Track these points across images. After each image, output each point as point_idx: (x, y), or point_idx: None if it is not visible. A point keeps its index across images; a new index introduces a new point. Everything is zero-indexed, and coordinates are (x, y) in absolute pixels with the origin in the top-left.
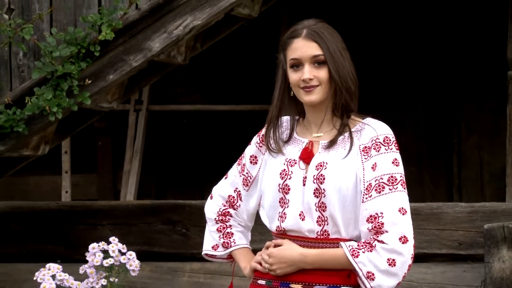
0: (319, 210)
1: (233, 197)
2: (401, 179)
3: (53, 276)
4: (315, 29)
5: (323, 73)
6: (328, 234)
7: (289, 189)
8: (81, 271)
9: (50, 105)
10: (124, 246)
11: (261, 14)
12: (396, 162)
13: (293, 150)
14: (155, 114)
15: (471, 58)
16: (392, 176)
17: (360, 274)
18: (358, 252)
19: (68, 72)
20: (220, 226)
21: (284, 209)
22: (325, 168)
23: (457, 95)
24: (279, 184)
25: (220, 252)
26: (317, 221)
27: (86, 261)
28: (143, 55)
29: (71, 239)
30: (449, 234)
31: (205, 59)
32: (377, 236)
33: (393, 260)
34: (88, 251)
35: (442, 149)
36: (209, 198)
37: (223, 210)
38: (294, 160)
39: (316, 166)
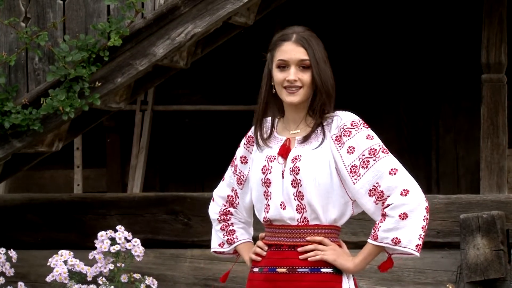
0: (297, 199)
1: (232, 196)
2: (380, 148)
3: (65, 262)
4: (304, 36)
5: (306, 76)
6: (308, 221)
7: (270, 183)
8: (90, 257)
9: (63, 105)
10: (130, 233)
11: (256, 22)
12: (370, 137)
13: (274, 147)
14: (159, 114)
15: (449, 62)
16: (371, 149)
17: (390, 247)
18: (376, 233)
19: (80, 75)
20: (223, 225)
21: (268, 201)
22: (299, 160)
23: (436, 96)
24: (262, 178)
25: (226, 248)
26: (296, 209)
27: (96, 248)
28: (148, 60)
29: (82, 228)
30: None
31: (205, 63)
32: (384, 205)
33: (403, 213)
34: (97, 239)
35: (422, 145)
36: (211, 200)
37: (224, 210)
38: (273, 156)
39: (292, 159)
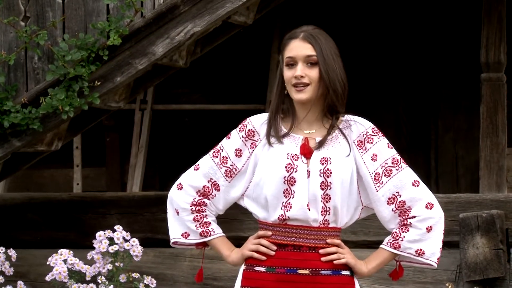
0: (323, 201)
1: (208, 187)
2: (400, 158)
3: (65, 261)
4: (312, 33)
5: (314, 73)
6: (328, 223)
7: (295, 181)
8: (88, 257)
9: (63, 104)
10: (128, 233)
11: (255, 21)
12: (390, 146)
13: (290, 145)
14: (158, 113)
15: (448, 61)
16: (394, 158)
17: (412, 257)
18: (398, 242)
19: (79, 74)
20: (197, 215)
21: (288, 199)
22: (330, 163)
23: (435, 95)
24: (285, 176)
25: (192, 240)
26: (321, 212)
27: (95, 248)
28: (148, 59)
29: (81, 227)
30: None
31: (205, 62)
32: (407, 214)
33: (430, 226)
34: (96, 239)
35: (421, 144)
36: (176, 188)
37: (198, 200)
38: (296, 154)
39: (321, 161)
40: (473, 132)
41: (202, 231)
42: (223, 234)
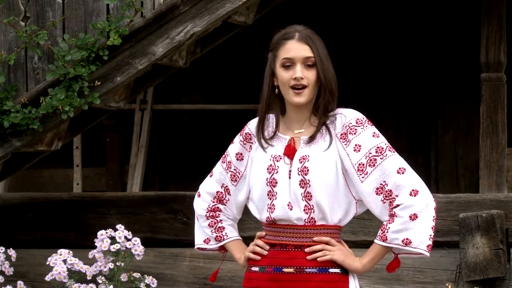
0: (305, 199)
1: (221, 192)
2: (387, 146)
3: (64, 261)
4: (308, 34)
5: (312, 74)
6: (315, 221)
7: (276, 183)
8: (90, 256)
9: (63, 104)
10: (130, 232)
11: (255, 21)
12: (376, 135)
13: (277, 147)
14: (158, 113)
15: (448, 61)
16: (378, 147)
17: (400, 247)
18: (385, 234)
19: (79, 74)
20: (212, 221)
21: (272, 201)
22: (308, 161)
23: (435, 95)
24: (267, 178)
25: (212, 245)
26: (304, 210)
27: (95, 247)
28: (148, 59)
29: (81, 227)
30: None
31: (205, 62)
32: (392, 204)
33: (414, 214)
34: (97, 238)
35: (421, 144)
36: (196, 196)
37: (212, 206)
38: (279, 155)
39: (300, 160)
40: (473, 132)
41: (217, 236)
42: (238, 238)
